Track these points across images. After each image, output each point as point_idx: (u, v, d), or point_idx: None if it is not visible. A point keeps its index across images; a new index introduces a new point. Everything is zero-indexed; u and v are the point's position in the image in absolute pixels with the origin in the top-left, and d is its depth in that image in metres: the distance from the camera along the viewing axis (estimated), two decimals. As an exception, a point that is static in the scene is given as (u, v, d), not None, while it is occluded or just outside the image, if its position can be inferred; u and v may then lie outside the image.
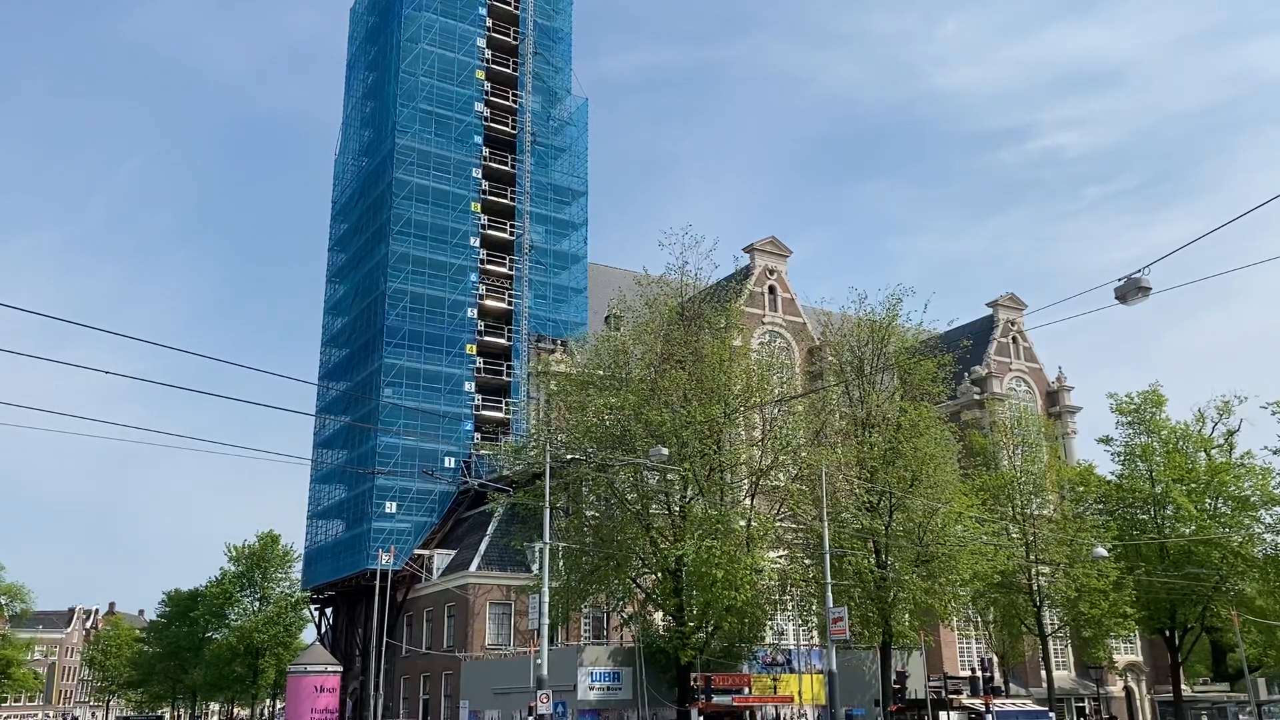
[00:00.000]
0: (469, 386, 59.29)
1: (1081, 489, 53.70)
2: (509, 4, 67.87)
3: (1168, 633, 54.42)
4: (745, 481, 39.68)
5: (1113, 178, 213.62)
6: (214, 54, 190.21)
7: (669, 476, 37.11)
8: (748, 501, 39.26)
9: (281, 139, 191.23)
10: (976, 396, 66.34)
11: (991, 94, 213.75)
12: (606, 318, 55.27)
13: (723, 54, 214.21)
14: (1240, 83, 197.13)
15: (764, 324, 60.24)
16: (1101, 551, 43.93)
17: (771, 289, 61.90)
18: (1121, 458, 54.99)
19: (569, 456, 38.31)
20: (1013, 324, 71.65)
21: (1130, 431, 55.01)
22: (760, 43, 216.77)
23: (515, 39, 67.55)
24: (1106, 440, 55.75)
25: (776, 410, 40.09)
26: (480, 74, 65.16)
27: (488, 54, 65.99)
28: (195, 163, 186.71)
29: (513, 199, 64.30)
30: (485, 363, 60.42)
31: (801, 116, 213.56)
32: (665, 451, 33.25)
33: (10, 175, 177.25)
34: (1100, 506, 53.70)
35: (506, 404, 60.12)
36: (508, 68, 66.79)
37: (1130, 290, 20.09)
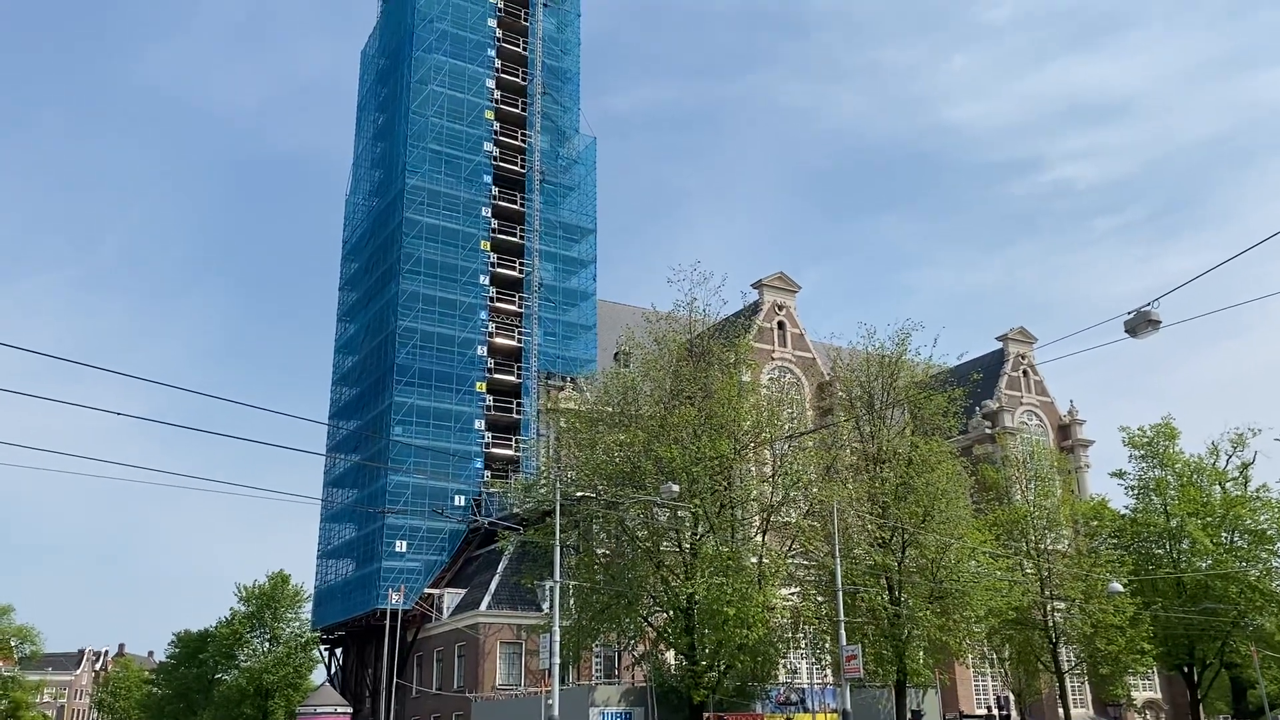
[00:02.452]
0: (479, 424, 59.32)
1: (1096, 523, 53.23)
2: (518, 46, 68.71)
3: (1186, 669, 53.65)
4: (756, 518, 39.50)
5: (1123, 209, 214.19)
6: (226, 95, 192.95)
7: (679, 513, 36.96)
8: (759, 538, 39.04)
9: (292, 179, 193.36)
10: (988, 431, 66.06)
11: (1001, 126, 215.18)
12: (616, 354, 55.37)
13: (731, 90, 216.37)
14: (1249, 113, 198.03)
15: (773, 359, 60.25)
16: (1117, 586, 43.45)
17: (780, 324, 61.97)
18: (1135, 491, 54.55)
19: (579, 494, 38.22)
20: (1023, 357, 71.49)
21: (1144, 465, 54.61)
22: (769, 78, 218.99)
23: (524, 80, 68.30)
24: (1120, 474, 55.36)
25: (787, 446, 39.98)
26: (489, 114, 65.83)
27: (497, 94, 66.71)
28: (207, 202, 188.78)
29: (522, 237, 64.70)
30: (495, 400, 60.48)
31: (810, 150, 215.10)
32: (676, 488, 33.13)
33: (24, 215, 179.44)
34: (1115, 541, 53.19)
35: (516, 441, 60.09)
36: (517, 108, 67.48)
37: (1140, 324, 20.05)
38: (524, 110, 67.71)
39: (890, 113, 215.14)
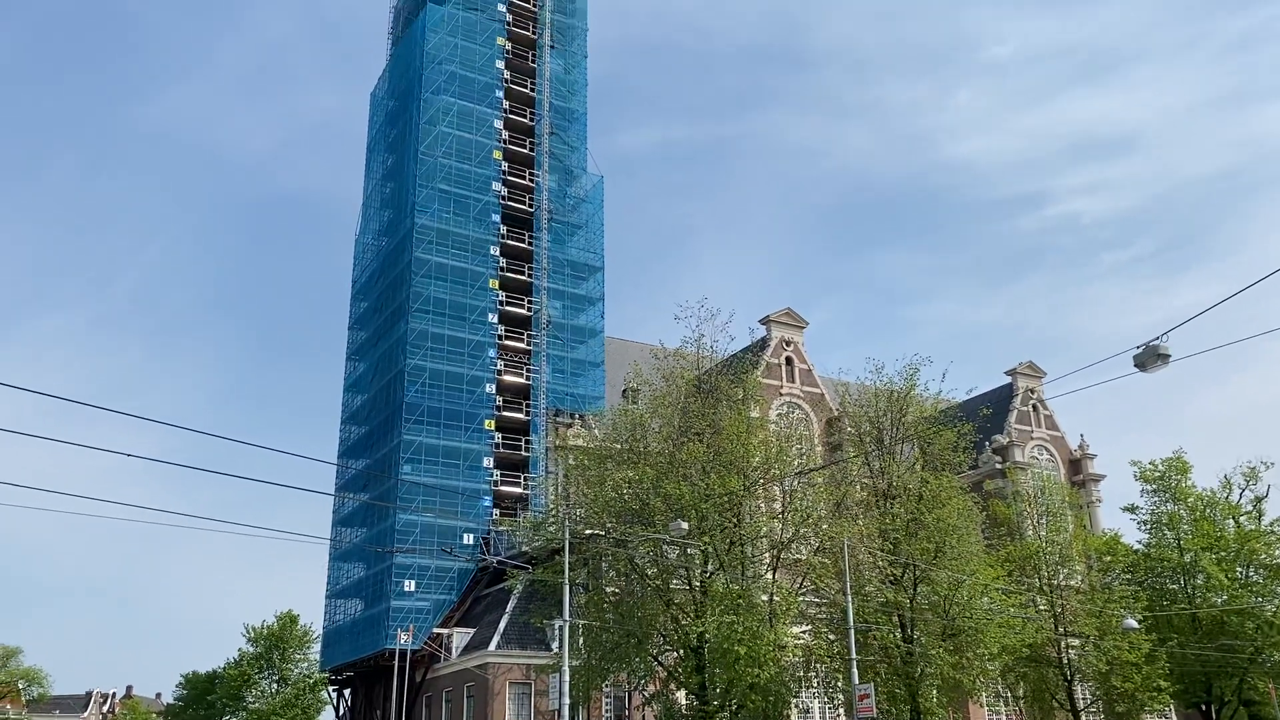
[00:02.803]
0: (488, 462, 59.27)
1: (1109, 559, 52.78)
2: (525, 87, 69.48)
3: (1204, 706, 52.89)
4: (766, 555, 39.28)
5: (1131, 243, 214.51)
6: (238, 138, 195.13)
7: (689, 551, 36.78)
8: (769, 575, 38.79)
9: (303, 220, 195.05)
10: (998, 465, 65.72)
11: (1006, 161, 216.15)
12: (624, 391, 55.38)
13: (737, 128, 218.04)
14: (1255, 147, 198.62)
15: (781, 395, 60.20)
16: (1132, 623, 42.98)
17: (788, 360, 61.98)
18: (1148, 526, 54.13)
19: (588, 532, 38.09)
20: (1032, 392, 71.30)
21: (1156, 500, 54.22)
22: (774, 116, 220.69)
23: (532, 120, 68.99)
24: (1132, 509, 54.97)
25: (796, 482, 39.84)
26: (498, 154, 66.45)
27: (505, 135, 67.37)
28: (218, 243, 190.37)
29: (530, 275, 65.02)
30: (504, 438, 60.46)
31: (816, 187, 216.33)
32: (685, 526, 33.00)
33: (39, 257, 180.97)
34: (1128, 577, 52.68)
35: (525, 479, 59.99)
36: (524, 148, 68.11)
37: (1150, 358, 20.04)
38: (532, 150, 68.33)
39: (895, 149, 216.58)
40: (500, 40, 68.87)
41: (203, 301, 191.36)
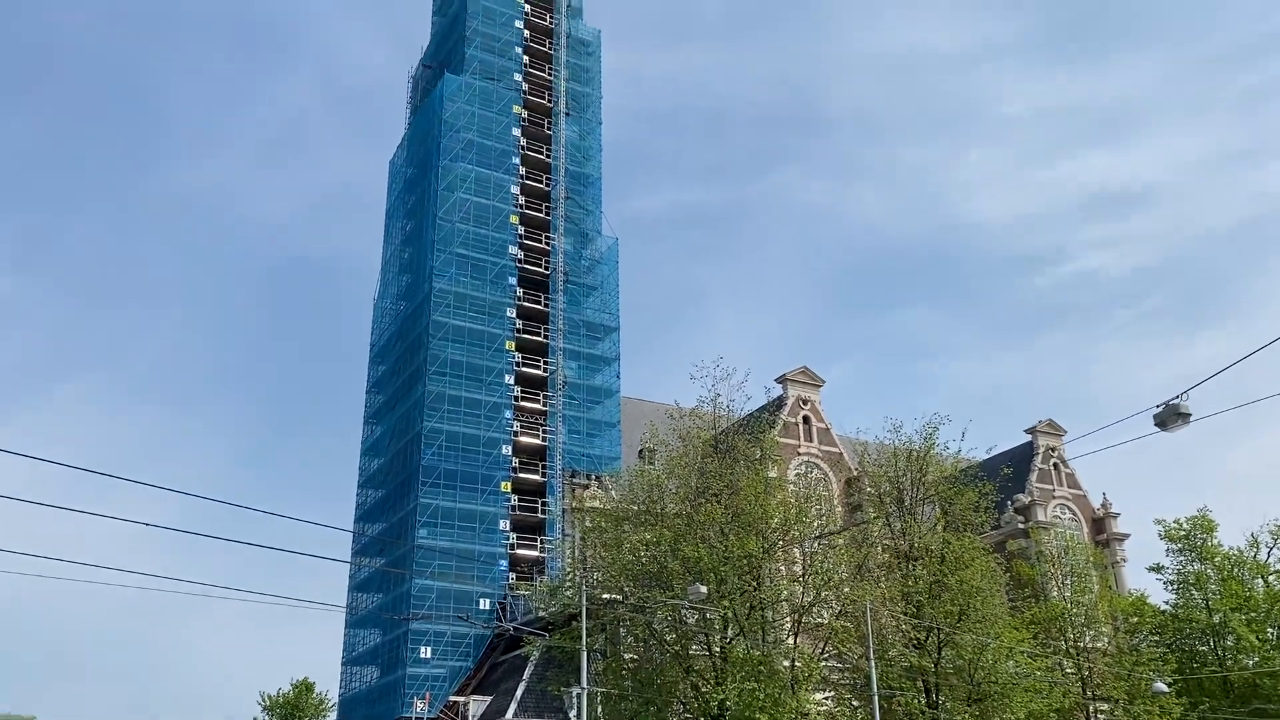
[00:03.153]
0: (504, 525, 58.94)
1: (1136, 620, 51.84)
2: (541, 153, 70.52)
3: (1240, 774, 51.43)
4: (787, 619, 38.73)
5: (1148, 299, 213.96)
6: (258, 204, 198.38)
7: (708, 615, 36.34)
8: (791, 640, 38.22)
9: (321, 285, 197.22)
10: (1021, 525, 64.95)
11: (1020, 218, 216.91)
12: (640, 452, 55.19)
13: (751, 189, 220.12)
14: (1270, 201, 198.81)
15: (800, 455, 59.88)
16: (1162, 686, 42.06)
17: (806, 419, 61.77)
18: (1175, 586, 53.29)
19: (605, 597, 37.70)
20: (1053, 450, 70.70)
21: (1182, 559, 53.43)
22: (788, 177, 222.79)
23: (547, 185, 69.90)
24: (1158, 568, 54.21)
25: (817, 544, 39.45)
26: (514, 218, 67.22)
27: (521, 200, 68.23)
28: (237, 309, 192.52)
29: (546, 336, 65.33)
30: (520, 500, 60.21)
31: (831, 246, 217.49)
32: (704, 590, 32.66)
33: (58, 325, 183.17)
34: (1157, 638, 51.69)
35: (542, 542, 59.58)
36: (540, 212, 68.91)
37: (1170, 417, 19.88)
38: (548, 214, 69.11)
39: (909, 207, 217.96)
40: (516, 108, 70.09)
41: (221, 367, 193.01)
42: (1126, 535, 69.76)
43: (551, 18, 74.80)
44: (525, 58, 72.04)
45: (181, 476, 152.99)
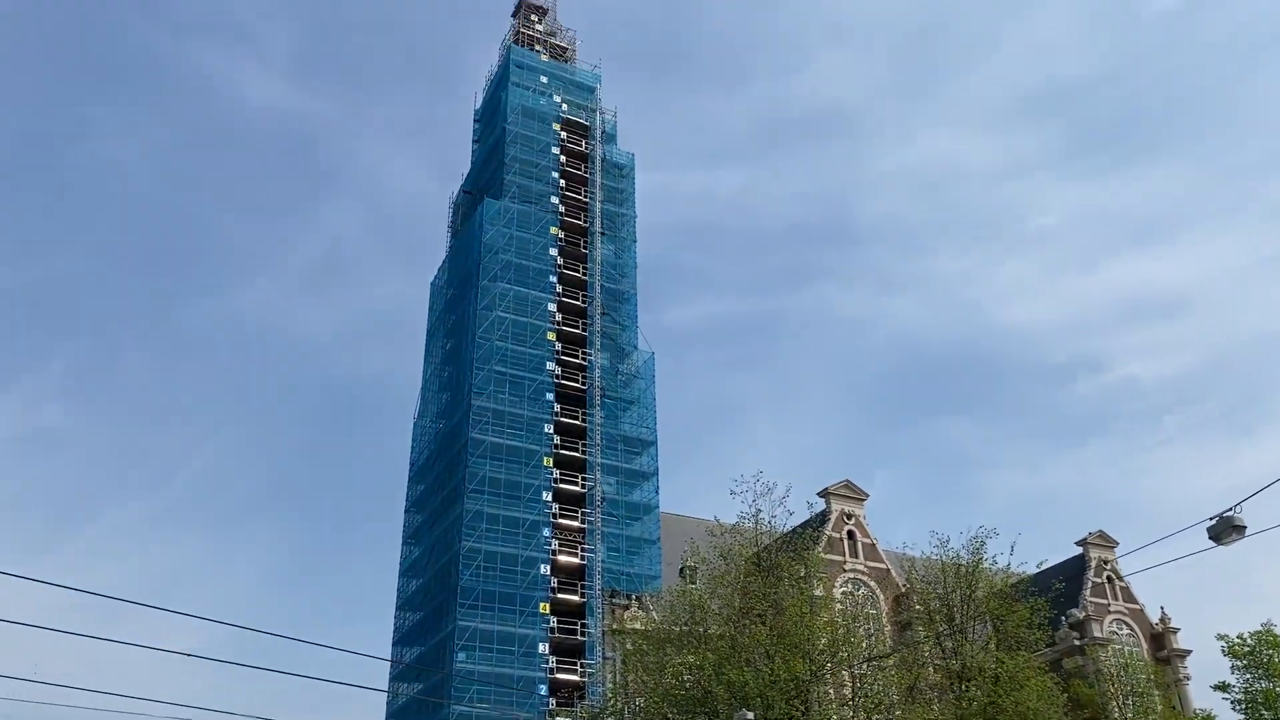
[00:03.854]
0: (543, 648, 57.75)
1: (1206, 743, 49.32)
2: (578, 271, 71.85)
3: None
4: (838, 746, 37.31)
5: (1194, 405, 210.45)
6: (301, 327, 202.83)
7: (756, 743, 35.08)
8: (842, 768, 36.75)
9: (362, 405, 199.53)
10: (1076, 642, 62.56)
11: (1059, 327, 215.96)
12: (681, 570, 54.30)
13: (786, 301, 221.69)
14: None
15: (845, 571, 58.55)
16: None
17: (850, 534, 60.62)
18: (1243, 706, 50.68)
19: (649, 724, 36.59)
20: (1106, 563, 68.62)
21: (1248, 676, 51.02)
22: (823, 289, 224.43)
23: (584, 302, 70.98)
24: (1224, 686, 51.66)
25: (866, 666, 38.23)
26: (551, 335, 68.09)
27: (558, 317, 69.23)
28: (278, 431, 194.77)
29: (584, 452, 65.28)
30: (559, 622, 59.13)
31: (869, 357, 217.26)
32: (750, 716, 31.58)
33: (105, 451, 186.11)
34: (1229, 762, 49.06)
35: (581, 665, 58.24)
36: (577, 328, 69.80)
37: (1224, 530, 19.36)
38: (584, 330, 69.97)
39: (946, 317, 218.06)
40: (553, 229, 71.80)
41: (261, 490, 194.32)
42: (1188, 651, 66.94)
43: (587, 144, 77.22)
44: (562, 182, 74.17)
45: (222, 600, 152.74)
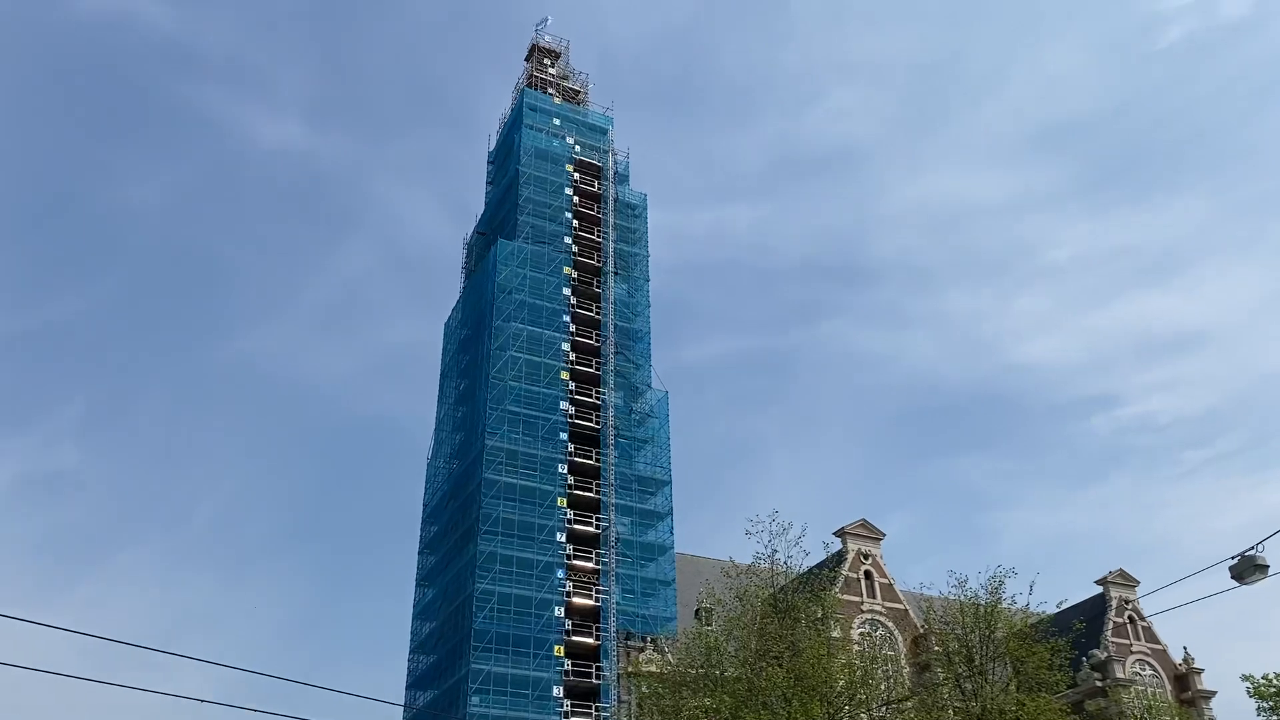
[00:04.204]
0: (558, 691, 57.21)
1: (1234, 787, 48.28)
2: (591, 311, 72.10)
3: None
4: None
5: (1212, 441, 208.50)
6: (316, 368, 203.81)
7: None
8: (861, 814, 36.15)
9: (376, 446, 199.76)
10: (1099, 684, 61.58)
11: (1074, 363, 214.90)
12: (697, 611, 53.82)
13: (800, 339, 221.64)
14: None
15: (863, 612, 57.95)
16: None
17: (867, 574, 60.08)
18: (1273, 749, 49.65)
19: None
20: (1127, 602, 67.69)
21: (1275, 717, 50.03)
22: (836, 326, 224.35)
23: (597, 341, 71.14)
24: (1253, 729, 50.66)
25: (886, 709, 37.73)
26: (565, 375, 68.16)
27: (572, 356, 69.35)
28: (293, 472, 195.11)
29: (598, 492, 65.07)
30: (574, 665, 58.62)
31: (884, 394, 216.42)
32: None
33: (121, 492, 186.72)
34: (1259, 807, 47.97)
35: (596, 709, 57.65)
36: (591, 367, 69.90)
37: (1246, 569, 19.20)
38: (598, 369, 70.06)
39: (961, 354, 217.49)
40: (567, 269, 72.18)
41: (275, 531, 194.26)
42: (1213, 693, 65.81)
43: (599, 184, 77.85)
44: (575, 222, 74.68)
45: (235, 642, 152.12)
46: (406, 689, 66.66)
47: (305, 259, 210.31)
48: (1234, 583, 19.61)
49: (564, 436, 65.94)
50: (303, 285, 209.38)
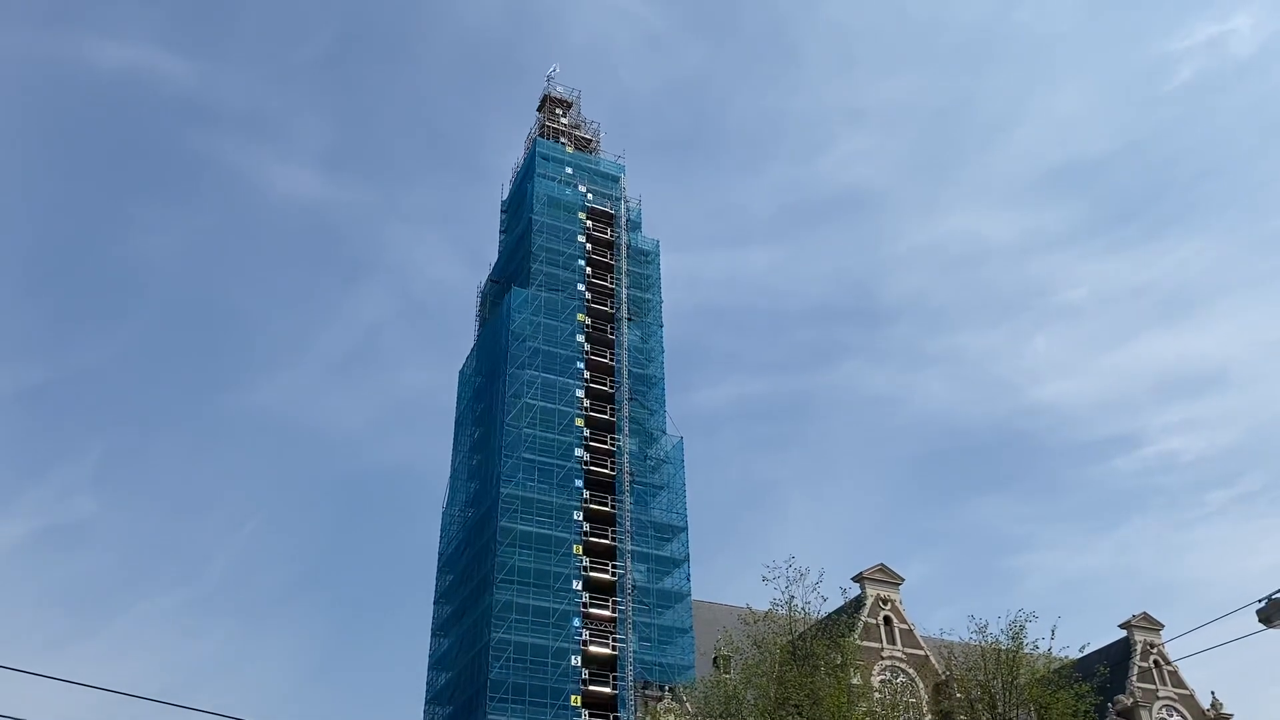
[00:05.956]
0: (576, 743, 56.53)
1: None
2: (605, 357, 72.30)
3: None
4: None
5: (1236, 481, 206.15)
6: (331, 417, 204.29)
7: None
8: None
9: (391, 494, 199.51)
10: (1126, 730, 60.41)
11: (1092, 403, 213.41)
12: (715, 659, 53.24)
13: (815, 381, 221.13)
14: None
15: (883, 659, 57.12)
16: None
17: (887, 619, 59.30)
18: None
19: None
20: (1153, 646, 66.56)
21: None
22: (851, 368, 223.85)
23: (611, 388, 71.24)
24: (1286, 776, 49.62)
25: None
26: (579, 421, 68.18)
27: (586, 403, 69.41)
28: (308, 521, 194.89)
29: (613, 539, 64.75)
30: (591, 714, 57.95)
31: (900, 436, 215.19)
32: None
33: (136, 542, 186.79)
34: None
35: (615, 761, 56.89)
36: (605, 414, 69.90)
37: (1275, 613, 18.87)
38: (612, 415, 70.05)
39: (977, 395, 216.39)
40: (580, 316, 72.52)
41: (290, 581, 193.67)
42: (1245, 739, 64.39)
43: (612, 231, 78.45)
44: (588, 269, 75.16)
45: (250, 693, 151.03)
46: (423, 742, 65.91)
47: (320, 307, 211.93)
48: (1261, 626, 19.27)
49: (579, 483, 65.81)
50: (318, 333, 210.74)
